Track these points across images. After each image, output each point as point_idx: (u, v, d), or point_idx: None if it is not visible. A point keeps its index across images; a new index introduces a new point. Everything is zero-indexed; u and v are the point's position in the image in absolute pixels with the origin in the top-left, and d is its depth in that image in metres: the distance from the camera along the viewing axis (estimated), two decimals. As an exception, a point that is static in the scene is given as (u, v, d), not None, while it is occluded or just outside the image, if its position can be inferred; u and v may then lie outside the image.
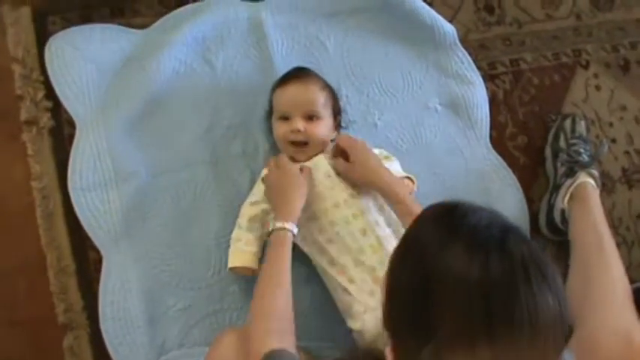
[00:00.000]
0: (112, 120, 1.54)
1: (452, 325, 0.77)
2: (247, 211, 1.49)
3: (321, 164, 1.49)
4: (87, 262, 1.53)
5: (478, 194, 1.66)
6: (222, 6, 1.66)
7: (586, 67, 1.89)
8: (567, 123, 1.76)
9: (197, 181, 1.56)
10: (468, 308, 0.76)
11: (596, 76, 1.89)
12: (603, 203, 1.71)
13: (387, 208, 1.48)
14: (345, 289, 1.40)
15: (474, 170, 1.70)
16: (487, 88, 1.77)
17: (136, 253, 1.50)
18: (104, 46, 1.59)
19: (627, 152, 1.86)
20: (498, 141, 1.77)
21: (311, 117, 1.48)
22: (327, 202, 1.44)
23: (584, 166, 1.67)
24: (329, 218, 1.43)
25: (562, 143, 1.73)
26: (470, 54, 1.77)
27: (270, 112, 1.56)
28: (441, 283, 0.79)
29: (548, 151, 1.76)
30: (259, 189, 1.51)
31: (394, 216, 1.46)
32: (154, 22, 1.64)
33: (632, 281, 1.62)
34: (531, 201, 1.74)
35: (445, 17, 1.76)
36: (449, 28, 1.74)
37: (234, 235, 1.48)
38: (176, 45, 1.60)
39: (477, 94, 1.75)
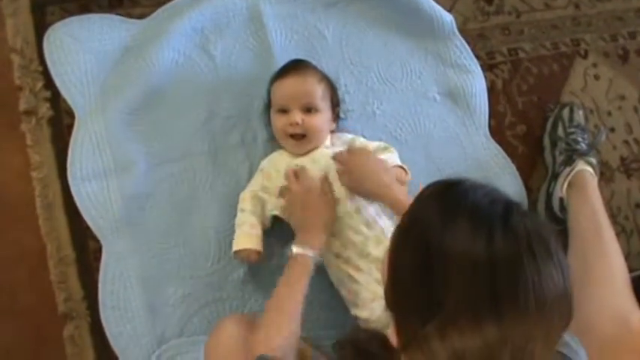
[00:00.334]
0: (111, 110, 1.54)
1: (457, 300, 0.77)
2: (248, 195, 1.50)
3: (321, 159, 1.49)
4: (86, 251, 1.54)
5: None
6: (220, -4, 1.66)
7: (585, 56, 1.89)
8: (565, 112, 1.76)
9: (196, 171, 1.56)
10: (473, 284, 0.76)
11: (594, 65, 1.89)
12: (602, 192, 1.71)
13: None
14: (352, 277, 1.40)
15: (472, 159, 1.70)
16: (486, 77, 1.77)
17: (135, 242, 1.50)
18: (103, 36, 1.59)
19: (626, 141, 1.86)
20: (497, 130, 1.77)
21: (309, 109, 1.48)
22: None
23: (583, 155, 1.67)
24: None
25: (560, 132, 1.73)
26: (469, 43, 1.78)
27: (268, 105, 1.56)
28: (445, 259, 0.78)
29: (546, 140, 1.76)
30: (257, 180, 1.52)
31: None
32: (152, 12, 1.65)
33: (631, 270, 1.63)
34: (530, 190, 1.75)
35: (444, 7, 1.76)
36: (447, 18, 1.74)
37: (238, 219, 1.48)
38: (175, 35, 1.60)
39: (476, 84, 1.75)
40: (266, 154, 1.56)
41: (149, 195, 1.53)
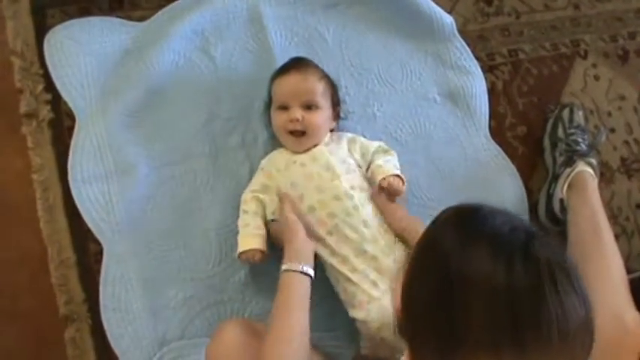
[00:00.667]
0: (112, 112, 1.54)
1: (476, 331, 0.75)
2: (250, 196, 1.50)
3: (321, 156, 1.49)
4: (87, 254, 1.53)
5: (477, 184, 1.66)
6: (220, -2, 1.67)
7: (585, 57, 1.89)
8: (565, 113, 1.76)
9: (197, 173, 1.56)
10: (494, 314, 0.75)
11: (594, 66, 1.89)
12: (602, 193, 1.72)
13: None
14: (348, 279, 1.40)
15: (473, 160, 1.70)
16: (486, 78, 1.77)
17: (136, 244, 1.50)
18: (103, 38, 1.59)
19: (626, 142, 1.86)
20: (497, 131, 1.77)
21: (309, 107, 1.48)
22: (327, 194, 1.44)
23: (583, 156, 1.67)
24: (327, 210, 1.42)
25: (560, 133, 1.73)
26: (468, 45, 1.77)
27: (269, 103, 1.56)
28: (464, 289, 0.77)
29: (546, 142, 1.77)
30: (258, 179, 1.52)
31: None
32: (152, 14, 1.64)
33: (632, 271, 1.63)
34: (530, 191, 1.74)
35: (444, 8, 1.76)
36: (447, 19, 1.74)
37: (241, 221, 1.48)
38: (175, 37, 1.60)
39: (476, 85, 1.75)
40: (267, 154, 1.56)
41: (150, 197, 1.53)
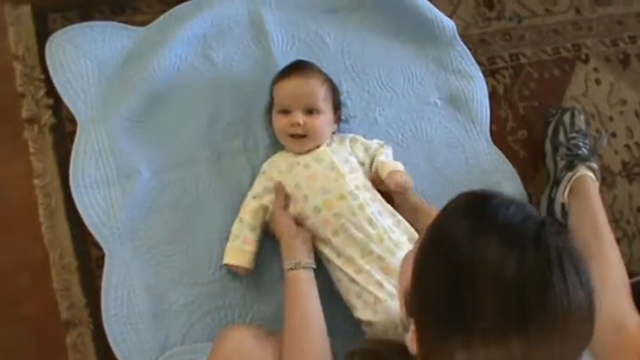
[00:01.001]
0: (114, 117, 1.54)
1: (485, 315, 0.77)
2: (250, 205, 1.50)
3: (324, 156, 1.49)
4: (89, 258, 1.53)
5: (479, 188, 1.66)
6: (222, 2, 1.67)
7: (586, 61, 1.89)
8: (566, 117, 1.76)
9: (198, 178, 1.56)
10: (503, 300, 0.76)
11: (596, 70, 1.89)
12: (604, 197, 1.72)
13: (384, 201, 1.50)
14: (353, 280, 1.39)
15: (474, 164, 1.70)
16: (487, 82, 1.78)
17: (138, 249, 1.50)
18: (105, 43, 1.59)
19: (627, 146, 1.86)
20: (499, 135, 1.77)
21: (311, 111, 1.49)
22: (332, 194, 1.43)
23: (584, 160, 1.67)
24: (333, 210, 1.42)
25: (561, 137, 1.73)
26: (470, 49, 1.78)
27: (270, 106, 1.56)
28: (475, 275, 0.78)
29: (547, 146, 1.77)
30: (260, 182, 1.52)
31: (392, 208, 1.49)
32: (154, 19, 1.64)
33: (633, 275, 1.63)
34: (532, 195, 1.75)
35: (445, 12, 1.77)
36: (449, 23, 1.74)
37: (234, 230, 1.49)
38: (177, 42, 1.61)
39: (477, 89, 1.75)
40: (268, 159, 1.57)
41: (151, 202, 1.53)
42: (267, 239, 1.50)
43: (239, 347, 1.27)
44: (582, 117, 1.77)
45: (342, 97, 1.61)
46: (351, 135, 1.58)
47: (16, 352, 1.49)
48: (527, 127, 1.81)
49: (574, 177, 1.64)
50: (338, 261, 1.42)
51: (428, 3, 1.74)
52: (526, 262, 0.77)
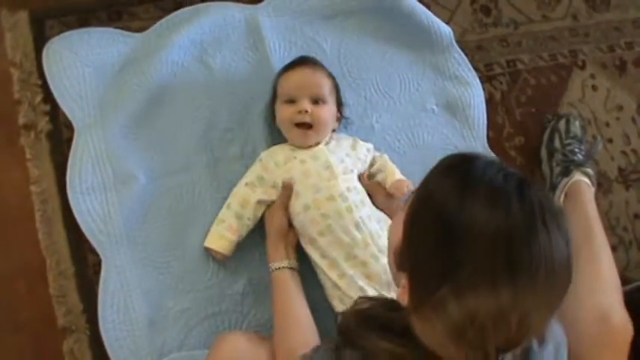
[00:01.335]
0: (110, 123, 1.54)
1: (475, 266, 0.81)
2: (241, 192, 1.50)
3: (321, 154, 1.49)
4: (86, 265, 1.54)
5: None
6: (219, 9, 1.67)
7: (582, 67, 1.90)
8: (562, 123, 1.76)
9: (195, 184, 1.56)
10: (493, 252, 0.81)
11: (592, 76, 1.90)
12: (600, 203, 1.73)
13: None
14: (335, 284, 1.41)
15: (471, 171, 1.69)
16: (484, 89, 1.78)
17: (135, 255, 1.50)
18: (102, 49, 1.60)
19: (624, 152, 1.86)
20: (496, 141, 1.77)
21: (317, 101, 1.50)
22: (322, 194, 1.44)
23: (579, 165, 1.68)
24: (321, 210, 1.43)
25: (557, 144, 1.73)
26: (467, 55, 1.78)
27: (272, 101, 1.57)
28: (465, 231, 0.83)
29: (543, 152, 1.77)
30: (254, 170, 1.52)
31: (381, 213, 1.49)
32: (151, 25, 1.64)
33: (630, 281, 1.64)
34: (528, 201, 1.74)
35: (442, 19, 1.77)
36: (445, 30, 1.75)
37: (220, 214, 1.49)
38: (174, 48, 1.61)
39: (474, 95, 1.75)
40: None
41: (148, 208, 1.53)
42: (263, 244, 1.50)
43: (233, 351, 1.29)
44: (578, 123, 1.77)
45: (343, 109, 1.62)
46: (351, 138, 1.59)
47: (12, 358, 1.49)
48: (524, 133, 1.81)
49: (569, 182, 1.65)
50: (322, 262, 1.43)
51: (425, 9, 1.74)
52: (512, 215, 0.82)
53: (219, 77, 1.64)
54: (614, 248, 1.78)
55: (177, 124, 1.59)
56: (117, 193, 1.52)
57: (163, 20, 1.65)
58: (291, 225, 1.47)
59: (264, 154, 1.53)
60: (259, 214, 1.50)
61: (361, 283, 1.38)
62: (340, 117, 1.59)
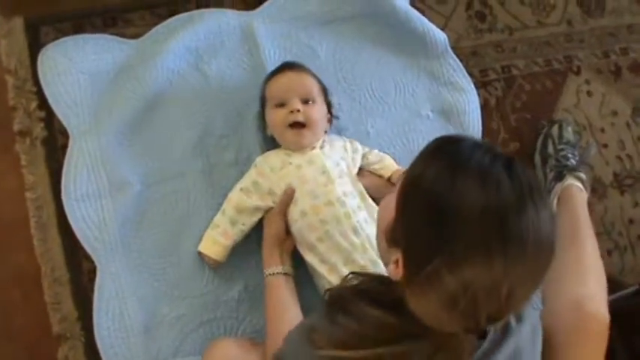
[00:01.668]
0: (105, 130, 1.54)
1: (469, 240, 0.86)
2: (236, 197, 1.49)
3: (317, 159, 1.49)
4: (80, 272, 1.54)
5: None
6: (214, 15, 1.67)
7: (577, 73, 1.90)
8: (554, 129, 1.77)
9: (190, 190, 1.56)
10: (486, 225, 0.86)
11: (587, 81, 1.90)
12: (595, 208, 1.74)
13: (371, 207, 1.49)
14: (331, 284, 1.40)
15: (466, 177, 1.70)
16: (479, 94, 1.78)
17: (130, 262, 1.50)
18: (97, 56, 1.59)
19: (619, 157, 1.87)
20: (491, 148, 1.77)
21: (306, 101, 1.50)
22: (320, 199, 1.44)
23: (572, 170, 1.68)
24: (320, 216, 1.42)
25: (550, 149, 1.74)
26: (462, 61, 1.78)
27: (262, 110, 1.57)
28: (457, 210, 0.87)
29: (537, 158, 1.77)
30: (249, 176, 1.51)
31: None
32: (146, 32, 1.64)
33: (625, 286, 1.64)
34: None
35: (437, 25, 1.76)
36: (440, 36, 1.74)
37: (215, 219, 1.49)
38: (169, 55, 1.61)
39: (469, 101, 1.75)
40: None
41: (143, 215, 1.53)
42: (258, 248, 1.49)
43: (224, 358, 1.31)
44: (570, 129, 1.78)
45: (333, 110, 1.61)
46: (346, 139, 1.59)
47: (7, 365, 1.49)
48: (519, 139, 1.82)
49: (561, 187, 1.65)
50: (322, 268, 1.42)
51: (420, 15, 1.74)
52: (503, 191, 0.87)
53: (214, 84, 1.64)
54: (609, 253, 1.79)
55: (172, 130, 1.59)
56: (112, 199, 1.51)
57: (158, 27, 1.65)
58: (288, 232, 1.47)
59: (259, 160, 1.53)
60: (254, 220, 1.49)
61: None
62: (331, 117, 1.59)
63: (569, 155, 1.70)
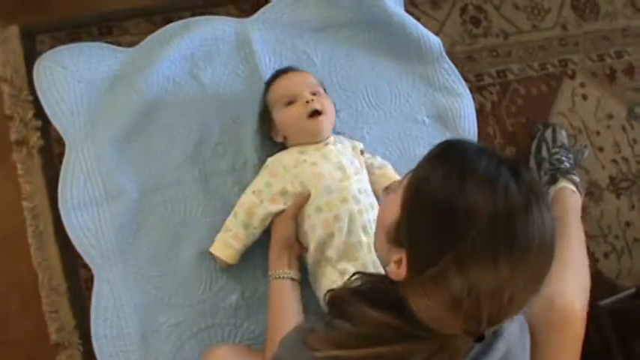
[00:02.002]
0: (102, 138, 1.54)
1: (477, 242, 0.87)
2: (248, 200, 1.47)
3: (332, 155, 1.49)
4: (78, 280, 1.54)
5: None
6: (209, 22, 1.67)
7: (572, 76, 1.91)
8: (548, 133, 1.78)
9: (187, 198, 1.56)
10: (494, 229, 0.87)
11: (582, 85, 1.91)
12: (592, 212, 1.75)
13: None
14: (334, 282, 1.39)
15: (462, 182, 1.70)
16: (474, 99, 1.78)
17: (127, 270, 1.50)
18: (92, 64, 1.59)
19: (614, 160, 1.87)
20: (487, 152, 1.77)
21: (314, 94, 1.51)
22: (334, 195, 1.43)
23: (566, 173, 1.69)
24: (334, 212, 1.41)
25: (544, 153, 1.75)
26: (457, 66, 1.78)
27: (263, 115, 1.57)
28: (466, 212, 0.88)
29: (532, 162, 1.78)
30: (261, 177, 1.50)
31: None
32: (141, 40, 1.64)
33: (621, 289, 1.64)
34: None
35: (431, 30, 1.77)
36: (435, 41, 1.75)
37: (227, 222, 1.48)
38: (164, 62, 1.61)
39: (465, 106, 1.76)
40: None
41: (140, 223, 1.53)
42: (256, 255, 1.50)
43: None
44: (564, 132, 1.79)
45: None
46: (354, 142, 1.59)
47: (6, 374, 1.49)
48: (515, 143, 1.82)
49: (555, 190, 1.65)
50: (324, 263, 1.42)
51: (414, 21, 1.74)
52: (510, 195, 0.88)
53: (210, 91, 1.64)
54: (606, 256, 1.80)
55: (168, 138, 1.59)
56: (108, 207, 1.51)
57: (154, 34, 1.65)
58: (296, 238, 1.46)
59: (270, 161, 1.51)
60: (266, 224, 1.47)
61: None
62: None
63: (563, 158, 1.71)
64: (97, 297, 1.48)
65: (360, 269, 1.37)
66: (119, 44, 1.66)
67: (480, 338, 0.94)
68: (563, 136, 1.77)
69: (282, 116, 1.52)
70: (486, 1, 1.92)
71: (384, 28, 1.74)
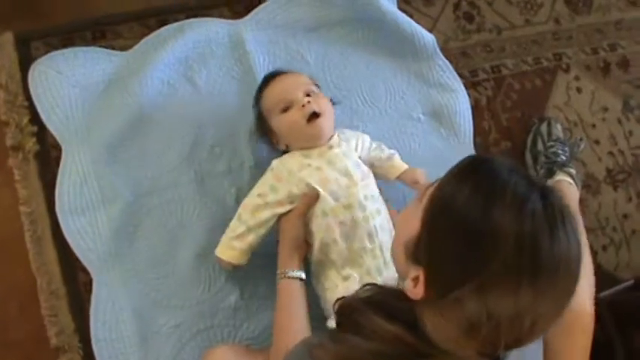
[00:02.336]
0: (97, 142, 1.55)
1: (500, 267, 0.83)
2: (252, 203, 1.45)
3: (336, 159, 1.46)
4: (77, 284, 1.54)
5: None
6: (203, 25, 1.68)
7: (567, 70, 1.91)
8: (543, 127, 1.78)
9: (183, 200, 1.56)
10: (518, 254, 0.83)
11: (577, 78, 1.91)
12: (589, 205, 1.74)
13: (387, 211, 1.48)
14: (336, 286, 1.40)
15: (458, 177, 1.70)
16: (469, 95, 1.78)
17: (125, 273, 1.50)
18: (87, 69, 1.60)
19: (611, 153, 1.88)
20: (482, 147, 1.79)
21: (309, 95, 1.48)
22: (341, 201, 1.41)
23: (562, 166, 1.69)
24: (339, 218, 1.40)
25: (540, 147, 1.75)
26: (451, 62, 1.79)
27: (258, 123, 1.55)
28: (491, 234, 0.85)
29: (528, 157, 1.78)
30: (265, 180, 1.47)
31: (391, 224, 1.46)
32: (135, 43, 1.65)
33: (620, 281, 1.64)
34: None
35: (425, 27, 1.77)
36: (429, 38, 1.75)
37: (232, 224, 1.46)
38: (159, 65, 1.61)
39: (460, 102, 1.76)
40: (253, 180, 1.54)
41: (137, 226, 1.54)
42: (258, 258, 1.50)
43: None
44: (559, 126, 1.79)
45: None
46: (357, 132, 1.58)
47: (6, 379, 1.49)
48: (511, 138, 1.82)
49: (552, 183, 1.65)
50: (328, 268, 1.42)
51: (408, 18, 1.75)
52: (537, 219, 0.84)
53: (204, 93, 1.65)
54: (604, 248, 1.80)
55: (163, 141, 1.59)
56: (105, 211, 1.52)
57: (148, 38, 1.65)
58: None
59: (275, 163, 1.48)
60: (270, 225, 1.45)
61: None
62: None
63: (559, 151, 1.71)
64: (96, 300, 1.48)
65: (364, 276, 1.39)
66: (113, 48, 1.66)
67: (495, 358, 0.91)
68: (558, 130, 1.78)
69: (280, 124, 1.49)
70: (479, -3, 1.92)
71: (377, 26, 1.74)
